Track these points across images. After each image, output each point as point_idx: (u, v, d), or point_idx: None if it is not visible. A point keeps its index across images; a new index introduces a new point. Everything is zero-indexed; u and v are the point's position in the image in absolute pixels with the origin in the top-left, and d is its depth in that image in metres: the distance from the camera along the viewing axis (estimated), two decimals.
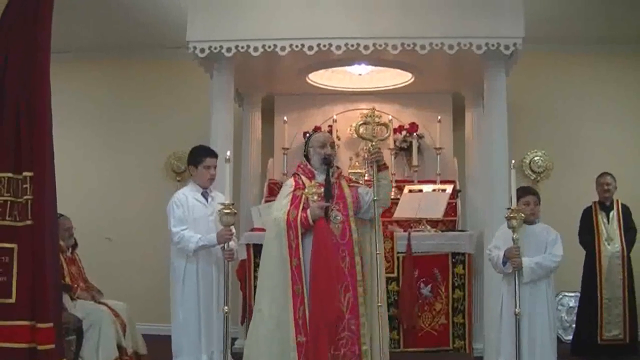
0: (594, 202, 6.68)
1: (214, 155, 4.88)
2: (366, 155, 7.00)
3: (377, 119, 4.58)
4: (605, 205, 6.61)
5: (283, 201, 4.40)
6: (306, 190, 4.36)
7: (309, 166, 4.47)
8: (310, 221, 4.21)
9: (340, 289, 4.17)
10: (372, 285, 4.31)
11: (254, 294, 5.95)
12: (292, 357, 4.14)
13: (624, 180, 6.87)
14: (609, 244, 6.46)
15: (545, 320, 4.51)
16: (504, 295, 4.64)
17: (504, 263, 4.49)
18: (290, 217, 4.25)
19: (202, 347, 4.68)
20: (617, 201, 6.62)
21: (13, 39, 3.48)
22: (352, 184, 4.49)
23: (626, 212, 6.60)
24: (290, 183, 4.48)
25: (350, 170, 6.87)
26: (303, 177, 4.43)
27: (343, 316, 4.16)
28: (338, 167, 4.57)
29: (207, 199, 4.85)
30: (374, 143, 4.42)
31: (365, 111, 6.55)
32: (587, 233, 6.57)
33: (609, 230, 6.51)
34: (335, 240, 4.24)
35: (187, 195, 4.83)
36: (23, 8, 3.49)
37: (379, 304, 4.25)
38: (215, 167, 4.84)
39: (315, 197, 4.30)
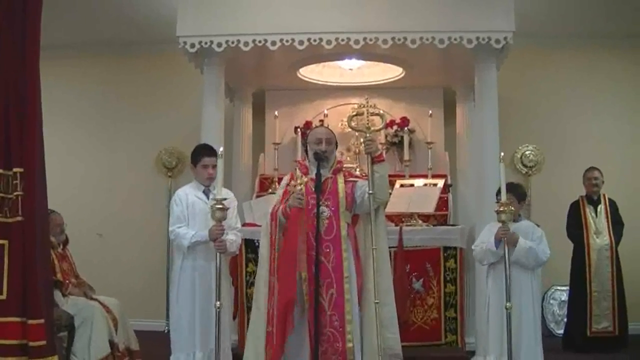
0: (581, 197, 6.70)
1: (211, 154, 4.82)
2: (358, 150, 7.03)
3: (371, 109, 4.52)
4: (592, 199, 6.64)
5: (276, 197, 4.45)
6: (294, 183, 4.35)
7: (305, 161, 4.48)
8: (288, 210, 4.22)
9: (322, 285, 4.10)
10: (368, 281, 4.25)
11: (246, 288, 5.99)
12: (261, 347, 4.14)
13: (613, 175, 6.92)
14: (597, 237, 6.49)
15: (530, 316, 4.51)
16: (489, 291, 4.64)
17: (497, 246, 4.50)
18: (274, 211, 4.28)
19: (197, 344, 4.64)
20: (604, 195, 6.65)
21: (2, 35, 3.46)
22: (350, 179, 4.39)
23: (613, 206, 6.63)
24: (286, 178, 4.52)
25: None
26: (298, 172, 4.43)
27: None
28: (339, 162, 4.52)
29: (208, 196, 4.82)
30: (367, 135, 4.34)
31: (357, 105, 6.55)
32: (575, 227, 6.60)
33: (597, 223, 6.54)
34: (307, 234, 4.15)
35: (188, 192, 4.84)
36: (12, 4, 3.48)
37: (376, 301, 4.15)
38: (214, 166, 4.72)
39: (299, 189, 4.27)
